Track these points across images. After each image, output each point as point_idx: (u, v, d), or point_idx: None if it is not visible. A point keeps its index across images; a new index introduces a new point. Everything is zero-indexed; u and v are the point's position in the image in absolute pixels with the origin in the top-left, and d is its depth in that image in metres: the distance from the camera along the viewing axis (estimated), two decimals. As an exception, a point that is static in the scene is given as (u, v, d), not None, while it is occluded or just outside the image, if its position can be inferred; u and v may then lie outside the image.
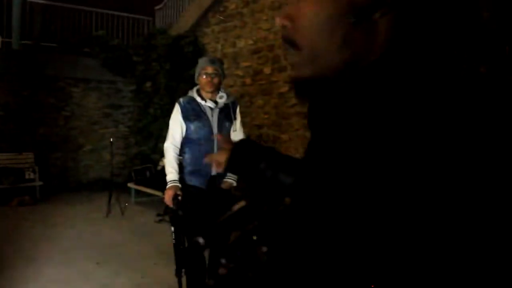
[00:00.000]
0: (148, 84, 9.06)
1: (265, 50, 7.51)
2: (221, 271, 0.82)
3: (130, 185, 8.11)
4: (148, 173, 7.97)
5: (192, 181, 3.56)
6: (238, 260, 0.82)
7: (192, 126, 3.57)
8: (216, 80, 3.56)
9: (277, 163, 1.16)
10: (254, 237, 0.83)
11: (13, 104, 8.56)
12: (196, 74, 3.63)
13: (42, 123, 8.88)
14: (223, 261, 0.82)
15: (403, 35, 0.73)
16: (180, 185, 3.51)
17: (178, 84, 8.77)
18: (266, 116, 7.40)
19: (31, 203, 7.79)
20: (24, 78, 8.66)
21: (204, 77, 3.52)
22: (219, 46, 8.67)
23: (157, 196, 7.29)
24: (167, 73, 8.83)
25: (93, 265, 4.85)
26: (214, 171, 3.47)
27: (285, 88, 6.95)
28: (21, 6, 9.39)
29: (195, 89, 3.66)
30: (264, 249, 0.81)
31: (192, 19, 9.36)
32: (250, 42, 7.83)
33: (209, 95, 3.60)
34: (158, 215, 6.73)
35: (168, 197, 3.47)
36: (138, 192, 8.04)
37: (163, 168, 7.82)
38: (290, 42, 0.79)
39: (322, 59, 0.77)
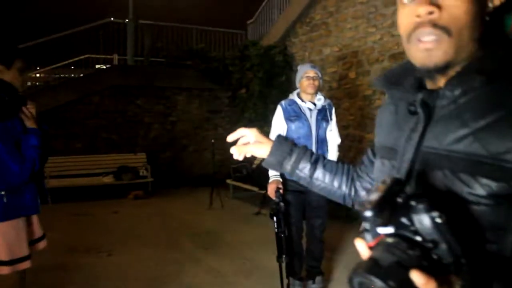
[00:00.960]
0: (243, 91, 9.93)
1: (349, 56, 7.96)
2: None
3: (228, 181, 8.86)
4: (244, 171, 8.75)
5: (291, 181, 3.81)
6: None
7: (293, 126, 3.86)
8: (316, 83, 3.89)
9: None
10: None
11: (129, 111, 9.86)
12: (298, 78, 3.96)
13: (152, 128, 10.10)
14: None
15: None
16: (281, 180, 3.81)
17: (270, 90, 9.57)
18: (351, 118, 7.81)
19: (145, 197, 8.87)
20: (137, 89, 9.92)
21: (306, 80, 3.86)
22: (306, 54, 9.30)
23: (253, 191, 8.06)
24: (260, 81, 9.63)
25: (201, 250, 5.56)
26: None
27: (369, 91, 7.37)
28: (134, 28, 10.73)
29: (295, 92, 4.01)
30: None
31: (281, 31, 10.08)
32: (335, 49, 8.33)
33: (309, 97, 3.93)
34: (258, 212, 7.40)
35: (271, 190, 3.74)
36: (235, 188, 8.79)
37: (258, 166, 8.62)
38: (443, 28, 0.85)
39: (465, 48, 0.87)
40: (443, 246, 0.71)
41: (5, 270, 2.56)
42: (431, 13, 0.84)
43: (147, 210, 7.87)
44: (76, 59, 11.47)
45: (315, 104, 3.95)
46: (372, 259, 0.73)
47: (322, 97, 3.99)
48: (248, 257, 5.21)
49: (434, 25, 0.84)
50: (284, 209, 3.59)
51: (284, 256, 3.54)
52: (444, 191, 0.85)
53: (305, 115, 3.91)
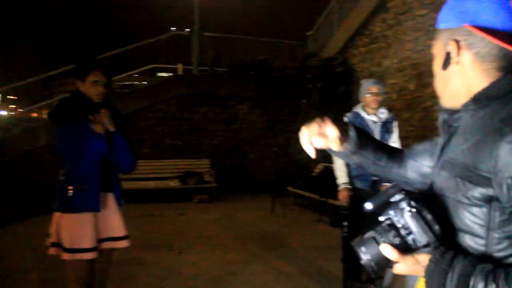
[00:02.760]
0: (304, 101, 10.17)
1: (409, 68, 8.04)
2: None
3: (289, 188, 9.06)
4: (305, 179, 9.01)
5: (357, 183, 4.05)
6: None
7: None
8: (379, 98, 4.07)
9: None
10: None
11: (194, 119, 10.36)
12: (362, 93, 4.13)
13: (216, 135, 10.57)
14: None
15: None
16: (350, 187, 4.04)
17: (330, 101, 9.80)
18: (411, 129, 7.83)
19: (209, 201, 9.30)
20: (202, 98, 10.42)
21: (370, 95, 4.03)
22: (366, 66, 9.46)
23: (313, 199, 8.27)
24: (320, 91, 9.88)
25: (265, 252, 5.84)
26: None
27: (429, 103, 7.37)
28: (199, 39, 11.27)
29: (359, 105, 4.19)
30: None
31: (340, 43, 10.29)
32: (395, 61, 8.43)
33: (373, 111, 4.10)
34: (318, 219, 7.67)
35: (342, 196, 4.00)
36: (296, 195, 8.99)
37: (320, 174, 8.83)
38: None
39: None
40: (415, 232, 1.03)
41: (65, 256, 2.86)
42: None
43: (212, 213, 8.27)
44: (142, 69, 12.12)
45: (378, 117, 4.14)
46: (361, 237, 1.11)
47: (385, 111, 4.18)
48: (311, 261, 5.44)
49: None
50: (354, 215, 3.79)
51: (349, 260, 3.76)
52: (434, 193, 1.17)
53: (369, 127, 4.08)
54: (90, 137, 2.83)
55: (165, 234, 6.67)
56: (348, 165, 4.09)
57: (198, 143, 10.40)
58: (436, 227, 1.03)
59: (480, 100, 1.09)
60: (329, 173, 8.66)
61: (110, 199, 3.04)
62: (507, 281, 0.92)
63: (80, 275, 2.92)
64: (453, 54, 1.12)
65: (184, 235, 6.63)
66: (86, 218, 2.87)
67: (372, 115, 4.15)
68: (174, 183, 9.46)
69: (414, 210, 1.04)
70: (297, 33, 12.91)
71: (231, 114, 10.69)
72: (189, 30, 11.88)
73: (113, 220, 3.04)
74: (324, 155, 6.35)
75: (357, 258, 1.09)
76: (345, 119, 4.17)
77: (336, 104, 9.90)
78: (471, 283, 0.95)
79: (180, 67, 12.27)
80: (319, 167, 9.07)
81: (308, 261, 5.45)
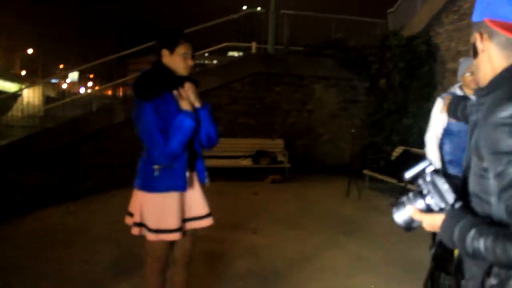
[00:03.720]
0: (383, 81, 9.77)
1: None
2: None
3: (365, 172, 8.82)
4: (382, 162, 8.69)
5: (450, 169, 3.82)
6: None
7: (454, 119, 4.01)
8: None
9: None
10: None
11: (268, 98, 10.21)
12: (460, 73, 3.88)
13: (290, 115, 10.37)
14: None
15: None
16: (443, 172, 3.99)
17: (411, 82, 9.34)
18: None
19: (281, 181, 9.17)
20: (277, 77, 10.23)
21: (469, 75, 3.75)
22: (453, 45, 8.92)
23: (390, 183, 7.97)
24: (400, 71, 9.45)
25: (341, 235, 5.67)
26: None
27: None
28: (275, 17, 11.05)
29: (457, 85, 3.95)
30: None
31: (424, 20, 9.76)
32: None
33: (471, 92, 3.74)
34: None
35: None
36: (371, 178, 8.74)
37: (398, 157, 8.47)
38: None
39: None
40: (435, 198, 1.30)
41: (150, 236, 2.76)
42: None
43: (285, 194, 8.15)
44: (215, 47, 12.05)
45: None
46: (396, 201, 1.42)
47: None
48: (391, 247, 5.22)
49: None
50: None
51: (436, 247, 3.52)
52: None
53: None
54: (179, 113, 2.71)
55: (238, 213, 6.63)
56: (441, 150, 3.89)
57: (272, 122, 10.26)
58: (450, 195, 1.29)
59: (489, 85, 1.29)
60: (409, 157, 8.43)
61: (195, 178, 2.94)
62: (494, 240, 1.11)
63: (159, 255, 2.87)
64: (478, 45, 1.31)
65: (258, 215, 6.56)
66: (171, 198, 2.76)
67: (471, 96, 3.82)
68: (246, 162, 9.42)
69: (434, 180, 1.32)
70: (376, 10, 12.37)
71: (306, 94, 10.42)
72: (260, 8, 11.70)
73: (197, 199, 2.94)
74: (404, 139, 6.05)
75: (447, 247, 1.33)
76: (441, 99, 3.88)
77: (417, 85, 9.44)
78: (468, 238, 1.16)
79: (254, 46, 12.15)
80: (398, 150, 8.72)
81: (388, 247, 5.24)
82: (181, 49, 2.76)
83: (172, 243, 2.90)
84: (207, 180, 3.01)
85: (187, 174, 2.81)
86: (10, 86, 39.68)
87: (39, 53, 57.03)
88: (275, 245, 5.30)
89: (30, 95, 19.96)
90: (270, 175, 9.22)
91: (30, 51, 56.38)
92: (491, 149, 1.16)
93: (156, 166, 2.72)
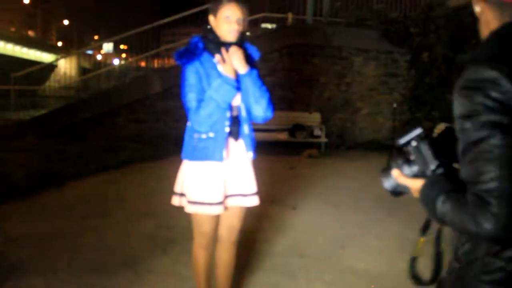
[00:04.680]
0: (425, 54, 9.39)
1: None
2: None
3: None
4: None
5: None
6: None
7: None
8: None
9: None
10: None
11: (306, 70, 9.98)
12: None
13: (327, 88, 10.11)
14: None
15: None
16: None
17: (456, 55, 8.94)
18: None
19: (317, 156, 9.01)
20: (315, 49, 9.96)
21: None
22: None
23: (432, 160, 7.72)
24: (445, 44, 9.04)
25: (384, 214, 5.46)
26: None
27: None
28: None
29: None
30: None
31: (473, -11, 9.31)
32: None
33: None
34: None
35: None
36: None
37: (440, 135, 8.26)
38: None
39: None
40: (419, 163, 1.31)
41: (189, 208, 2.68)
42: None
43: (322, 169, 8.00)
44: (252, 17, 11.79)
45: None
46: (385, 168, 1.43)
47: None
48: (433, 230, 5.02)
49: None
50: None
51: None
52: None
53: None
54: (217, 79, 2.58)
55: (276, 188, 6.48)
56: None
57: (308, 95, 10.03)
58: (432, 161, 1.28)
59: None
60: (452, 134, 8.04)
61: (240, 151, 2.76)
62: (456, 203, 1.12)
63: (204, 230, 2.77)
64: (476, 7, 1.27)
65: (296, 191, 6.44)
66: (212, 169, 2.64)
67: None
68: (282, 136, 9.27)
69: (419, 146, 1.30)
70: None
71: (345, 66, 10.13)
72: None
73: (243, 174, 2.78)
74: (446, 115, 5.75)
75: None
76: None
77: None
78: (438, 202, 1.17)
79: (290, 16, 11.85)
80: (440, 127, 8.36)
81: (433, 228, 5.00)
82: (223, 12, 2.59)
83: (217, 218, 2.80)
84: (253, 155, 2.83)
85: (228, 144, 2.68)
86: (47, 57, 40.47)
87: (75, 24, 57.66)
88: (315, 222, 5.18)
89: (67, 66, 20.19)
90: (306, 150, 9.06)
91: (66, 22, 57.07)
92: (455, 113, 1.16)
93: (196, 135, 2.64)
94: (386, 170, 1.41)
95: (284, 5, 12.81)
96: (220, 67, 2.62)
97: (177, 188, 2.78)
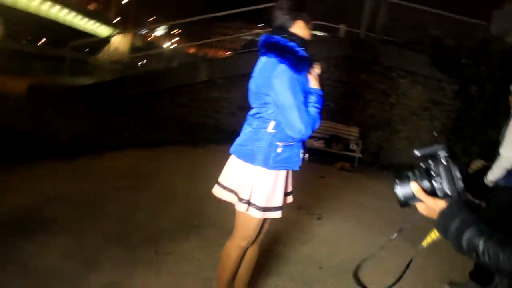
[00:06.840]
0: (474, 88, 9.21)
1: None
2: None
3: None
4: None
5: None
6: None
7: None
8: None
9: None
10: None
11: (352, 83, 9.99)
12: None
13: (370, 105, 10.10)
14: None
15: None
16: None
17: (506, 95, 8.76)
18: None
19: (349, 170, 9.02)
20: (364, 64, 9.95)
21: None
22: None
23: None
24: (496, 82, 8.87)
25: (409, 244, 5.50)
26: None
27: None
28: (372, 3, 10.70)
29: None
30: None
31: (536, 29, 9.13)
32: None
33: None
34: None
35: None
36: None
37: (476, 172, 8.09)
38: None
39: None
40: (443, 182, 1.29)
41: (258, 214, 2.67)
42: None
43: (352, 183, 8.03)
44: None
45: None
46: (401, 174, 1.41)
47: None
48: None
49: None
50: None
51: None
52: None
53: None
54: (311, 91, 2.64)
55: (304, 194, 6.53)
56: None
57: (351, 109, 10.05)
58: (460, 184, 1.27)
59: None
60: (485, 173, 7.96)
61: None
62: (500, 245, 1.10)
63: (253, 234, 2.82)
64: None
65: (324, 200, 6.50)
66: (283, 175, 2.73)
67: None
68: (318, 144, 9.32)
69: (447, 164, 1.29)
70: (480, 10, 11.63)
71: (391, 86, 10.06)
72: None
73: (291, 176, 2.94)
74: (484, 152, 5.67)
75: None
76: None
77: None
78: (466, 233, 1.16)
79: (343, 28, 11.90)
80: (477, 164, 8.28)
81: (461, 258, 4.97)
82: (303, 19, 2.66)
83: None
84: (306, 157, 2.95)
85: (301, 152, 2.79)
86: (103, 31, 41.52)
87: (133, 3, 58.67)
88: (339, 236, 5.18)
89: (120, 42, 20.70)
90: (339, 162, 9.09)
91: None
92: None
93: (280, 143, 2.63)
94: (406, 177, 1.37)
95: (337, 16, 12.82)
96: (311, 81, 2.66)
97: (244, 195, 2.68)
